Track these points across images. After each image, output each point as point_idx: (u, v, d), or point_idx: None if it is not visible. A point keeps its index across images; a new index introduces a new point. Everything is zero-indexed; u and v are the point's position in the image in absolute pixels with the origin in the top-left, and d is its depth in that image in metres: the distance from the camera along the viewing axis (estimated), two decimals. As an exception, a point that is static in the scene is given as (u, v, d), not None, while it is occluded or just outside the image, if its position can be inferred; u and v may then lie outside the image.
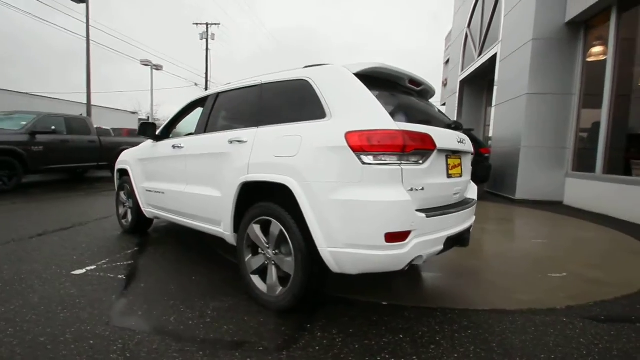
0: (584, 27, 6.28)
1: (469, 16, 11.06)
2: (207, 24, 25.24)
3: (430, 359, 1.58)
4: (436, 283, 2.66)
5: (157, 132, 3.34)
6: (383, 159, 1.68)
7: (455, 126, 2.33)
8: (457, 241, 2.06)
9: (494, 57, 8.56)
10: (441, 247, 1.88)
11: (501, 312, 2.08)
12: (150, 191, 3.32)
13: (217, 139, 2.50)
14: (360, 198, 1.67)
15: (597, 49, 6.08)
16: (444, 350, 1.65)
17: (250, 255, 2.21)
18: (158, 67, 22.46)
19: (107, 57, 31.00)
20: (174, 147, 2.94)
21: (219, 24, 25.48)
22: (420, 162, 1.79)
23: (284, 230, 1.94)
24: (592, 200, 5.67)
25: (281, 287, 2.00)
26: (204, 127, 2.77)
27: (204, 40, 25.11)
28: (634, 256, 3.33)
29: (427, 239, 1.77)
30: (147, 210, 3.45)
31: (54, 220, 4.26)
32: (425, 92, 2.51)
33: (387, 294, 2.34)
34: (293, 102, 2.14)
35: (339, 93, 1.92)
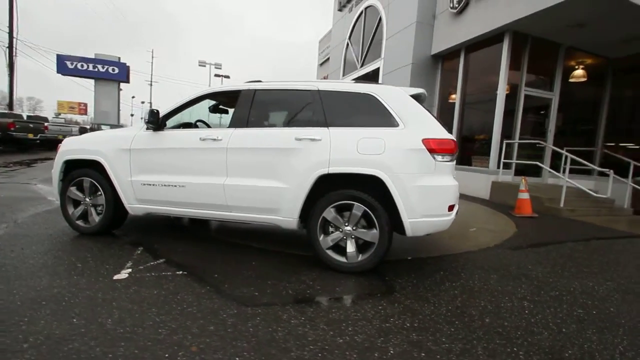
0: (441, 59, 8.86)
1: (350, 29, 12.98)
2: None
3: (443, 287, 2.61)
4: (411, 244, 3.74)
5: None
6: (445, 157, 2.56)
7: None
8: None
9: (377, 70, 10.61)
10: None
11: (459, 254, 3.34)
12: (151, 185, 3.04)
13: (279, 135, 2.74)
14: (435, 184, 2.51)
15: (450, 74, 8.70)
16: (442, 277, 2.72)
17: (323, 235, 2.68)
18: None
19: None
20: (202, 139, 2.89)
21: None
22: (454, 160, 2.77)
23: (369, 210, 2.54)
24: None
25: (361, 254, 2.61)
26: (245, 121, 2.89)
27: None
28: (495, 215, 5.45)
29: (457, 209, 2.79)
30: (137, 207, 3.12)
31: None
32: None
33: (406, 253, 3.24)
34: (363, 110, 2.71)
35: (404, 108, 2.65)
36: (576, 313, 2.17)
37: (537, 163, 7.09)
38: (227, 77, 35.00)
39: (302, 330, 1.77)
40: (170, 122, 3.20)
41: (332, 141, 2.62)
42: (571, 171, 6.58)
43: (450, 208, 2.60)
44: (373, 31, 11.08)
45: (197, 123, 3.59)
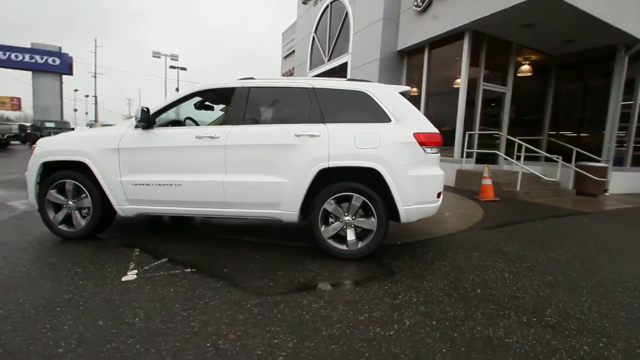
0: (407, 54, 9.29)
1: (316, 23, 13.05)
2: None
3: (432, 264, 2.93)
4: (398, 230, 4.04)
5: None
6: (433, 149, 2.82)
7: None
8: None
9: (345, 64, 10.84)
10: (440, 200, 3.24)
11: (441, 236, 3.70)
12: (144, 185, 2.97)
13: (278, 132, 2.83)
14: (425, 173, 2.76)
15: (415, 69, 9.17)
16: (432, 258, 3.04)
17: (324, 226, 2.84)
18: None
19: None
20: (199, 137, 2.89)
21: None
22: (439, 151, 3.04)
23: (367, 201, 2.74)
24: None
25: (360, 242, 2.80)
26: (242, 119, 2.93)
27: None
28: (463, 200, 5.94)
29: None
30: (128, 207, 3.04)
31: None
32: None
33: (395, 239, 3.50)
34: (357, 107, 2.87)
35: (394, 105, 2.86)
36: (547, 279, 2.55)
37: (496, 152, 7.78)
38: (184, 69, 33.42)
39: (324, 312, 1.92)
40: (158, 120, 3.14)
41: (330, 137, 2.76)
42: (522, 158, 7.32)
43: (439, 195, 2.88)
44: (340, 26, 11.27)
45: (186, 120, 3.54)
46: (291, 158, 2.78)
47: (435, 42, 8.29)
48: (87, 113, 56.21)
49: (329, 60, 12.13)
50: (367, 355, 1.54)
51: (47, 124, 18.71)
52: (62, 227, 3.14)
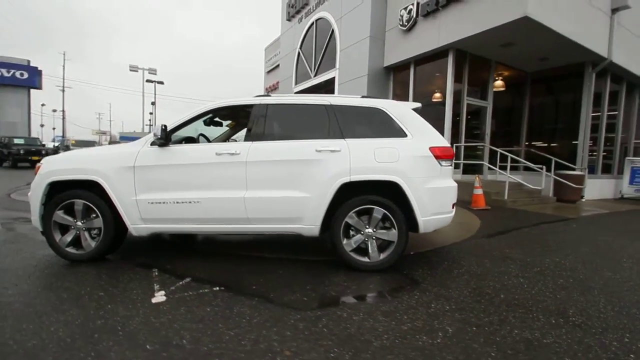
0: (393, 70, 9.67)
1: (301, 40, 13.34)
2: None
3: (444, 271, 3.06)
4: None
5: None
6: (447, 162, 2.97)
7: None
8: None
9: (332, 79, 11.11)
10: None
11: (449, 245, 3.85)
12: (161, 203, 2.92)
13: (299, 148, 2.89)
14: (441, 185, 2.90)
15: (402, 84, 9.54)
16: (449, 266, 3.17)
17: (346, 239, 2.89)
18: None
19: None
20: (218, 153, 2.90)
21: None
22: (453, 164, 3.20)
23: (387, 213, 2.83)
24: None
25: (381, 253, 2.88)
26: (261, 135, 2.97)
27: None
28: (457, 210, 6.14)
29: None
30: (143, 227, 2.97)
31: None
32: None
33: (407, 250, 3.60)
34: (374, 123, 2.99)
35: (409, 120, 3.00)
36: (559, 282, 2.72)
37: (483, 162, 8.17)
38: (161, 82, 32.85)
39: (368, 324, 1.96)
40: (173, 137, 3.11)
41: (351, 151, 2.85)
42: (503, 167, 7.73)
43: (453, 206, 3.02)
44: (326, 42, 11.58)
45: (199, 137, 3.53)
46: (313, 173, 2.84)
47: (421, 59, 8.70)
48: (54, 128, 53.73)
49: (315, 75, 12.38)
50: (424, 363, 1.59)
51: (16, 140, 17.67)
52: (69, 249, 3.01)
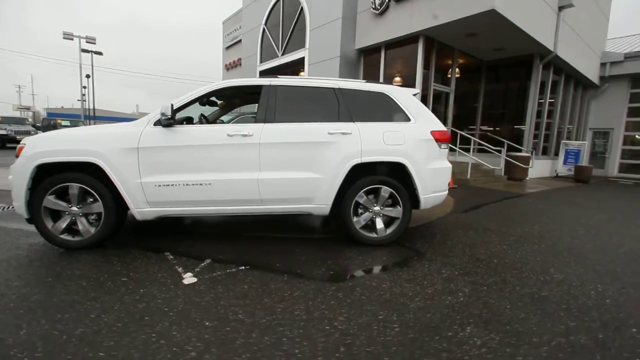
0: (364, 53, 9.83)
1: (266, 16, 12.85)
2: None
3: (440, 242, 3.46)
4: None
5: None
6: (444, 145, 3.26)
7: None
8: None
9: (302, 59, 10.96)
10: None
11: (434, 221, 4.26)
12: (169, 185, 2.84)
13: (311, 130, 2.96)
14: (441, 166, 3.19)
15: (372, 68, 9.77)
16: (442, 238, 3.57)
17: (355, 217, 3.09)
18: None
19: None
20: (230, 134, 2.87)
21: None
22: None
23: (394, 191, 3.07)
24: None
25: (386, 229, 3.13)
26: (273, 117, 2.99)
27: None
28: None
29: (446, 184, 3.57)
30: (148, 210, 2.88)
31: None
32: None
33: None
34: (380, 107, 3.15)
35: (411, 105, 3.22)
36: (535, 248, 3.21)
37: (450, 145, 8.80)
38: (100, 53, 29.47)
39: (397, 290, 2.19)
40: (177, 117, 2.99)
41: (361, 134, 3.00)
42: (463, 149, 8.44)
43: (448, 184, 3.34)
44: (294, 20, 11.31)
45: (201, 117, 3.41)
46: (325, 155, 2.95)
47: (392, 44, 8.96)
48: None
49: (282, 54, 12.10)
50: (460, 318, 1.86)
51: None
52: (64, 236, 2.82)
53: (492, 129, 10.77)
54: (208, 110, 4.03)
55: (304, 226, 3.72)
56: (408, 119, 3.16)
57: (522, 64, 9.57)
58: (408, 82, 8.68)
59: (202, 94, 3.00)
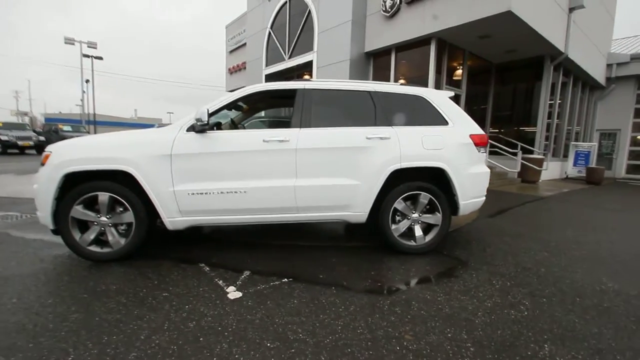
0: (374, 56, 9.77)
1: (272, 19, 12.78)
2: None
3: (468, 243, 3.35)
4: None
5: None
6: (482, 149, 3.16)
7: None
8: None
9: (310, 62, 10.89)
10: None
11: (464, 227, 4.15)
12: (203, 194, 2.72)
13: (349, 135, 2.85)
14: (479, 171, 3.09)
15: (382, 71, 9.71)
16: (478, 245, 3.47)
17: (394, 225, 2.98)
18: None
19: None
20: (266, 140, 2.76)
21: None
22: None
23: (433, 198, 2.96)
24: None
25: (425, 237, 3.02)
26: (308, 121, 2.88)
27: None
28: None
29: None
30: (181, 220, 2.76)
31: None
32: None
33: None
34: (417, 110, 3.05)
35: (448, 108, 3.12)
36: (578, 254, 3.10)
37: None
38: (100, 58, 29.35)
39: (456, 303, 2.08)
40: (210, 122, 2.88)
41: (400, 139, 2.90)
42: (487, 152, 8.32)
43: (486, 190, 3.24)
44: (302, 24, 11.24)
45: (231, 122, 3.30)
46: (363, 160, 2.84)
47: (403, 46, 8.90)
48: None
49: (289, 57, 12.02)
50: (532, 335, 1.75)
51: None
52: (92, 248, 2.70)
53: (502, 130, 10.70)
54: (222, 116, 3.94)
55: (330, 233, 3.60)
56: (446, 123, 3.06)
57: (533, 66, 9.53)
58: (420, 85, 8.59)
59: (235, 98, 2.90)
